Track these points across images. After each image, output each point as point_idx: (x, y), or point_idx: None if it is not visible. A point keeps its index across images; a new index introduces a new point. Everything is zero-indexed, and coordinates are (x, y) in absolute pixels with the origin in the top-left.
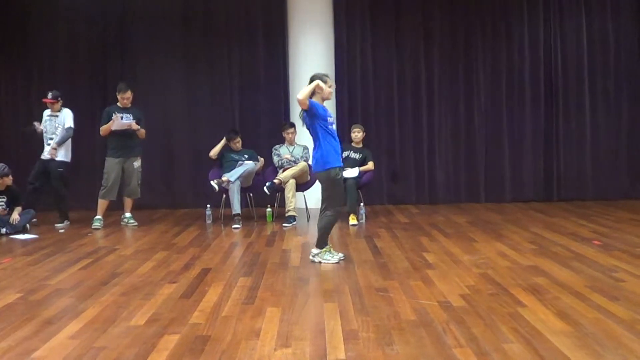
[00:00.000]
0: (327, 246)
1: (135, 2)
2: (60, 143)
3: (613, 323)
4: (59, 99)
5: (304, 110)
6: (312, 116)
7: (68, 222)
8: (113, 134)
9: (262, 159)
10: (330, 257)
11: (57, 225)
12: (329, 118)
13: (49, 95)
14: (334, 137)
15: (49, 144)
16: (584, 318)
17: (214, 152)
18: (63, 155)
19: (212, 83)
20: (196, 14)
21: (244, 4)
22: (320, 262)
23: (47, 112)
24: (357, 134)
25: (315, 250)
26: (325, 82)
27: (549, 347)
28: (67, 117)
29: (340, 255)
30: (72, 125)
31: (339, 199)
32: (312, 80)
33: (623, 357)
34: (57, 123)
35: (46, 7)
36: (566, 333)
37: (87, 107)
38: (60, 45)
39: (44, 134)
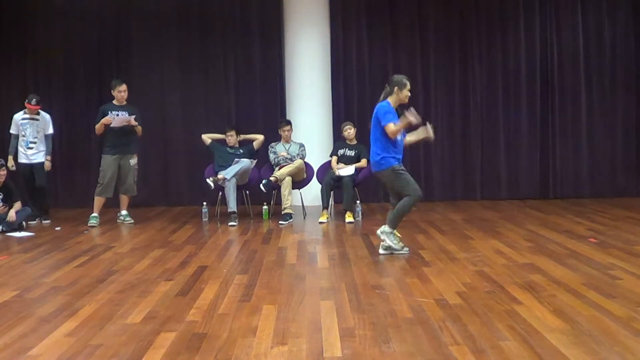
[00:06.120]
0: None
1: (132, 1)
2: (50, 152)
3: (609, 320)
4: (40, 104)
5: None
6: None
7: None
8: (110, 131)
9: (254, 161)
10: (395, 241)
11: (44, 222)
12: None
13: (33, 101)
14: (400, 142)
15: (30, 147)
16: (580, 315)
17: (207, 135)
18: (44, 155)
19: (208, 81)
20: (192, 12)
21: (240, 2)
22: (383, 240)
23: (20, 115)
24: (349, 131)
25: (386, 228)
26: (405, 85)
27: (545, 344)
28: (49, 123)
29: (405, 249)
30: (53, 131)
31: (411, 184)
32: (392, 82)
33: (619, 354)
34: (38, 127)
35: (42, 5)
36: (562, 330)
37: (83, 105)
38: (57, 43)
39: (23, 138)
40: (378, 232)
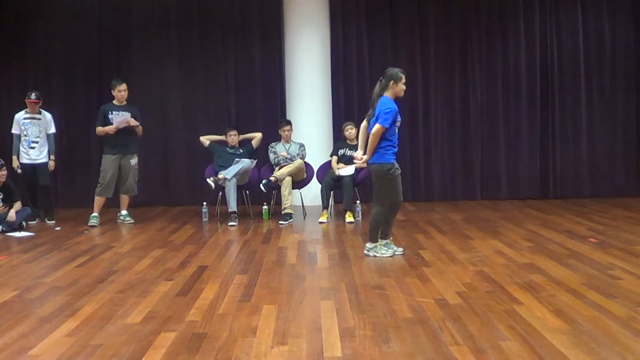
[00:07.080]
0: (383, 240)
1: (132, 1)
2: (54, 152)
3: (609, 320)
4: (40, 99)
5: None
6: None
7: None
8: None
9: (254, 160)
10: (385, 251)
11: (49, 222)
12: (397, 122)
13: (33, 95)
14: (395, 137)
15: (32, 147)
16: (580, 315)
17: (205, 137)
18: (46, 154)
19: (208, 81)
20: (192, 12)
21: (240, 2)
22: (374, 256)
23: (22, 115)
24: (350, 131)
25: (369, 245)
26: (400, 78)
27: (545, 344)
28: (51, 122)
29: (399, 249)
30: (55, 130)
31: (391, 195)
32: (387, 75)
33: (619, 354)
34: (40, 126)
35: (42, 5)
36: (562, 330)
37: (83, 105)
38: (57, 43)
39: (25, 138)
40: (365, 252)
